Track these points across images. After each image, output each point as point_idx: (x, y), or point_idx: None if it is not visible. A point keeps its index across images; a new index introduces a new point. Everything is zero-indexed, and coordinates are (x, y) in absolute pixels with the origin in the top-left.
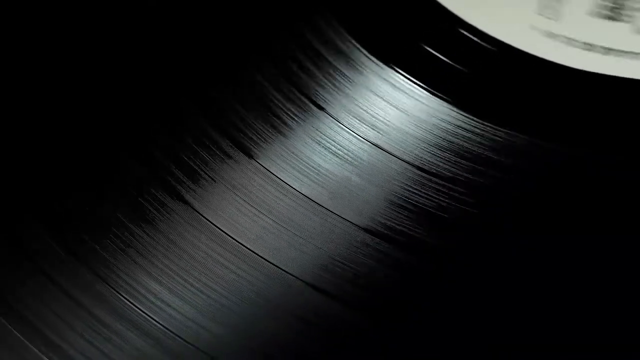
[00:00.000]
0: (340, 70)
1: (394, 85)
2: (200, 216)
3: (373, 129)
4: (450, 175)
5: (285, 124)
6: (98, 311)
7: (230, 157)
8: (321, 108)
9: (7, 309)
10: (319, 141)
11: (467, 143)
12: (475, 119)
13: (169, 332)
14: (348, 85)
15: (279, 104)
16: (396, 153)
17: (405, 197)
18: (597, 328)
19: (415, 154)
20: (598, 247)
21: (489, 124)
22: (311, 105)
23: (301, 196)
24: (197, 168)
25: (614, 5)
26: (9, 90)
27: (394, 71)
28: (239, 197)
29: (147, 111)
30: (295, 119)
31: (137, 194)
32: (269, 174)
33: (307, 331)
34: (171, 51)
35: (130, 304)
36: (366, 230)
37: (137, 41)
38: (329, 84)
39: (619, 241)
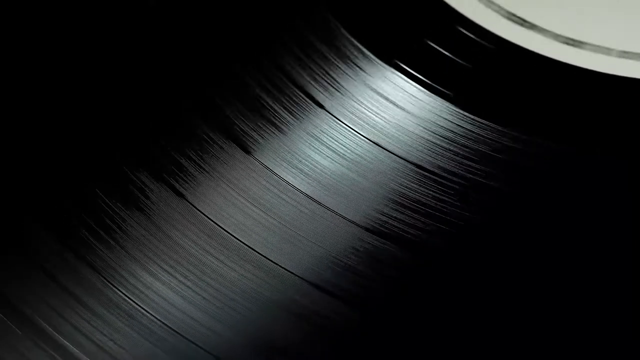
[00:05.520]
0: (339, 68)
1: (392, 83)
2: (197, 211)
3: (371, 127)
4: (450, 173)
5: (284, 120)
6: (93, 304)
7: (227, 152)
8: (320, 105)
9: (3, 303)
10: (317, 138)
11: (467, 141)
12: (475, 117)
13: (168, 329)
14: (346, 83)
15: (278, 101)
16: (394, 150)
17: (403, 194)
18: (595, 328)
19: (413, 152)
20: (597, 247)
21: (488, 122)
22: (310, 102)
23: (298, 193)
24: (194, 163)
25: None
26: (8, 90)
27: (392, 68)
28: (236, 192)
29: (144, 106)
30: (294, 115)
31: (133, 189)
32: (266, 170)
33: (301, 328)
34: (169, 47)
35: (127, 298)
36: (364, 228)
37: (135, 37)
38: (328, 81)
39: (617, 240)
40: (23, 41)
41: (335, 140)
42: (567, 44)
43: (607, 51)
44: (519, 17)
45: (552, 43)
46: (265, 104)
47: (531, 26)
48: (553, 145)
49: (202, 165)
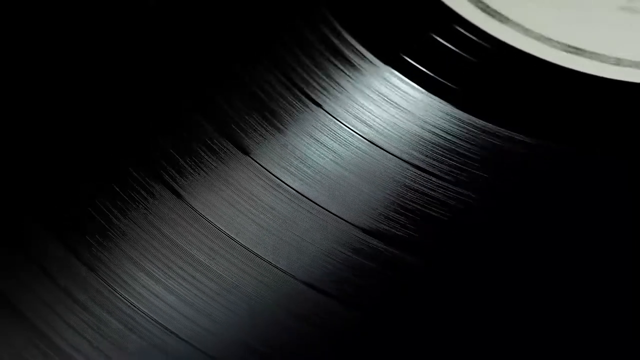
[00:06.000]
0: (338, 68)
1: (390, 83)
2: (194, 211)
3: (369, 127)
4: (447, 173)
5: (282, 120)
6: (91, 304)
7: (225, 152)
8: (318, 105)
9: (3, 303)
10: (315, 138)
11: (466, 141)
12: (474, 117)
13: (165, 330)
14: (345, 83)
15: (276, 100)
16: (392, 151)
17: (401, 195)
18: (596, 328)
19: (411, 152)
20: (597, 247)
21: (488, 122)
22: (308, 101)
23: (295, 193)
24: (193, 163)
25: None
26: (8, 90)
27: (391, 68)
28: (233, 192)
29: (143, 106)
30: (292, 115)
31: (133, 188)
32: (264, 170)
33: (297, 328)
34: (169, 47)
35: (125, 299)
36: (362, 228)
37: (135, 37)
38: (327, 81)
39: (617, 240)
40: (23, 41)
41: (334, 141)
42: (568, 52)
43: (606, 59)
44: (527, 28)
45: (553, 50)
46: (264, 103)
47: (537, 36)
48: (553, 145)
49: (200, 165)
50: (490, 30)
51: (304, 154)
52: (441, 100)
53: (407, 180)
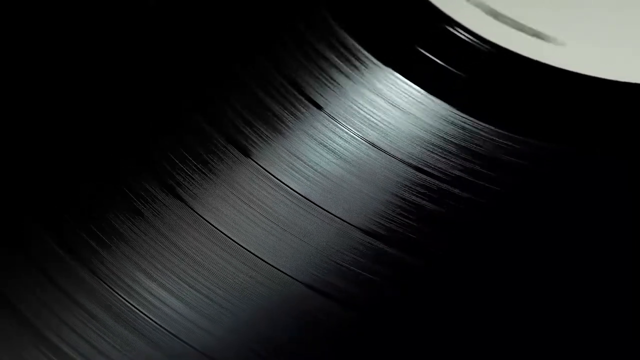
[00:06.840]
0: (338, 69)
1: (392, 85)
2: (195, 213)
3: (371, 129)
4: (448, 175)
5: (283, 122)
6: (91, 306)
7: (226, 154)
8: (319, 107)
9: (3, 303)
10: (316, 140)
11: (467, 143)
12: (474, 119)
13: (165, 332)
14: (345, 84)
15: (277, 102)
16: (393, 153)
17: (402, 197)
18: (596, 328)
19: (412, 154)
20: (597, 247)
21: (488, 124)
22: (309, 104)
23: (297, 195)
24: (193, 165)
25: None
26: (8, 90)
27: (392, 71)
28: (234, 194)
29: (143, 107)
30: (293, 117)
31: (132, 189)
32: (265, 172)
33: (298, 329)
34: (169, 47)
35: (125, 301)
36: (363, 230)
37: (135, 37)
38: (327, 83)
39: (617, 240)
40: (23, 41)
41: (335, 142)
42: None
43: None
44: (524, 25)
45: (553, 49)
46: (264, 105)
47: (534, 33)
48: (553, 145)
49: (200, 166)
50: (491, 33)
51: (306, 156)
52: (442, 102)
53: (407, 181)
